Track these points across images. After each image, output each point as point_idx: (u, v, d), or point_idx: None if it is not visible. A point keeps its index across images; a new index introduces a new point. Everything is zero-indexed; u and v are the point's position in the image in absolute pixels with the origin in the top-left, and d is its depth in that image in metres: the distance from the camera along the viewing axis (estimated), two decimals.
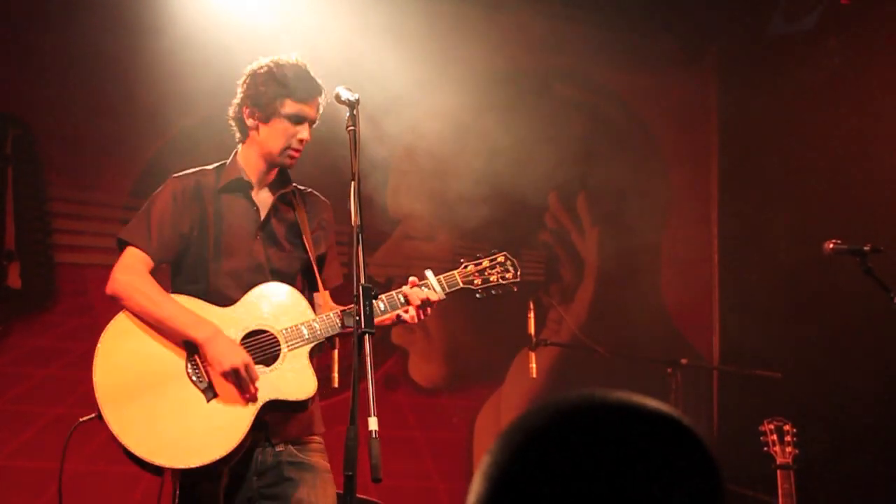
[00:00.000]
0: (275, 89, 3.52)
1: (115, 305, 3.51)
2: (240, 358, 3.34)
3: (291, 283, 3.56)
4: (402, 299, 3.51)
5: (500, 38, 6.58)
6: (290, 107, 3.52)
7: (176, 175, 3.64)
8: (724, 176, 7.10)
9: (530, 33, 6.68)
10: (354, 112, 3.26)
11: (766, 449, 4.71)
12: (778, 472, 4.66)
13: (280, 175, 3.66)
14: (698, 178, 7.17)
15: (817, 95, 6.43)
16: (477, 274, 3.68)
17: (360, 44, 5.66)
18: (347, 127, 3.26)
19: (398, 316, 3.52)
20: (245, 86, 3.59)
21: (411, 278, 3.57)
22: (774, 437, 4.72)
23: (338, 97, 3.34)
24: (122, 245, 3.54)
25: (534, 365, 5.32)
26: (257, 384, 3.35)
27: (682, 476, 1.10)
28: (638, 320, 6.61)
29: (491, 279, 3.70)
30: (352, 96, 3.29)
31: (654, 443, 1.11)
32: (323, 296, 3.67)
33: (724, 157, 7.12)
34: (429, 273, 3.60)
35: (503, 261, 3.75)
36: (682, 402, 5.31)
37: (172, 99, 5.60)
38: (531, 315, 5.37)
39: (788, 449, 4.68)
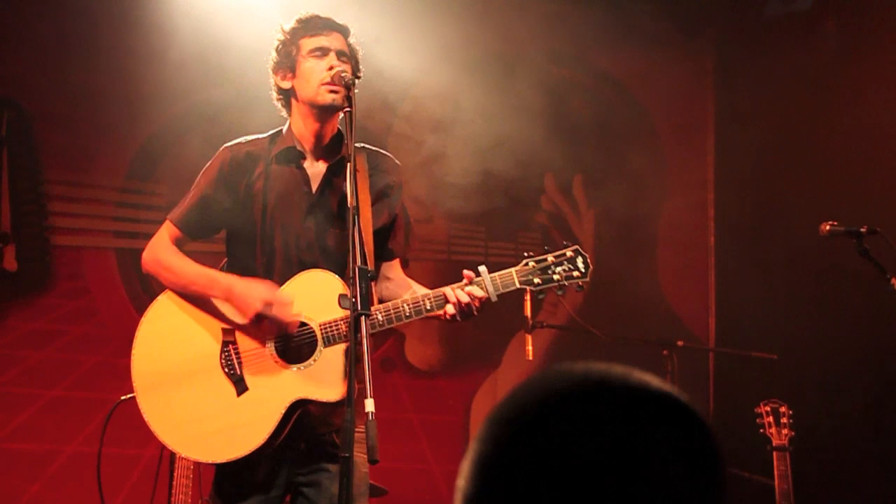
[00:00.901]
0: (289, 40, 3.45)
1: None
2: (258, 299, 3.23)
3: (343, 260, 3.27)
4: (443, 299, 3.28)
5: (496, 20, 6.56)
6: (306, 45, 3.42)
7: (228, 144, 3.51)
8: (721, 158, 7.09)
9: (527, 15, 6.65)
10: (350, 94, 3.22)
11: (762, 430, 4.72)
12: (774, 453, 4.67)
13: (334, 140, 3.48)
14: (695, 160, 7.16)
15: (814, 77, 6.41)
16: (538, 272, 3.34)
17: (356, 25, 5.63)
18: (343, 107, 3.23)
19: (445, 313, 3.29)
20: (271, 62, 3.50)
21: (466, 272, 3.30)
22: (770, 418, 4.73)
23: (335, 78, 3.32)
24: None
25: (530, 347, 5.31)
26: (284, 376, 3.26)
27: (682, 457, 1.08)
28: (634, 302, 6.61)
29: (555, 278, 3.35)
30: (348, 77, 3.26)
31: (653, 422, 1.08)
32: (394, 267, 3.53)
33: (720, 140, 7.11)
34: (482, 269, 3.31)
35: (572, 256, 3.37)
36: (679, 384, 5.30)
37: (167, 82, 5.58)
38: (527, 297, 5.37)
39: (784, 430, 4.69)
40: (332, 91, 3.35)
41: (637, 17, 6.68)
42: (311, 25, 3.45)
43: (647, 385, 1.10)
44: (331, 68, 3.37)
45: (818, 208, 5.40)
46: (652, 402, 1.09)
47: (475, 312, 3.29)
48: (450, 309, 3.27)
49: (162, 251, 3.43)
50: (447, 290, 3.28)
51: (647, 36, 6.80)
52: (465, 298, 3.25)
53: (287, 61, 3.44)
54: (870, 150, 6.11)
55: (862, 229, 4.31)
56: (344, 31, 3.50)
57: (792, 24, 6.61)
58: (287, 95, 3.49)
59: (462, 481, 1.10)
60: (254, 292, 3.25)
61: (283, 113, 3.54)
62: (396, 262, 3.58)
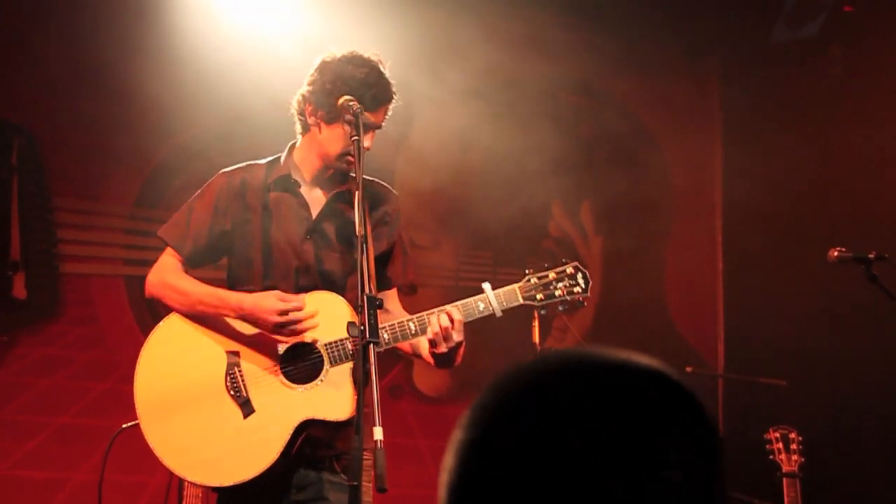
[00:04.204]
0: (341, 92, 3.28)
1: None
2: (272, 311, 3.21)
3: (343, 285, 3.35)
4: (415, 329, 3.28)
5: (504, 46, 6.58)
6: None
7: (224, 170, 3.49)
8: (728, 183, 7.10)
9: (535, 41, 6.68)
10: (359, 123, 3.20)
11: (771, 457, 4.69)
12: (784, 480, 4.65)
13: (336, 173, 3.44)
14: (702, 185, 7.17)
15: (820, 103, 6.43)
16: (541, 288, 3.41)
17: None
18: (352, 136, 3.21)
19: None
20: (312, 80, 3.37)
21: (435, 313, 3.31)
22: (780, 444, 4.70)
23: (342, 106, 3.31)
24: (162, 242, 3.47)
25: None
26: (291, 397, 3.25)
27: (675, 433, 1.03)
28: (642, 328, 6.60)
29: (556, 293, 3.42)
30: (356, 106, 3.24)
31: (640, 399, 1.03)
32: (391, 297, 3.50)
33: (727, 165, 7.12)
34: (486, 286, 3.35)
35: (572, 272, 3.45)
36: None
37: (176, 109, 5.60)
38: (535, 323, 5.36)
39: (794, 457, 4.67)
40: (349, 164, 3.30)
41: (643, 43, 6.71)
42: (368, 99, 3.28)
43: (632, 362, 1.06)
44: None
45: (826, 234, 5.40)
46: (639, 378, 1.05)
47: (453, 339, 3.28)
48: (429, 334, 3.26)
49: (170, 275, 3.40)
50: (427, 314, 3.30)
51: (653, 61, 6.83)
52: (444, 322, 3.26)
53: (327, 112, 3.32)
54: (878, 176, 6.12)
55: (870, 255, 4.32)
56: (391, 99, 3.39)
57: (798, 49, 6.64)
58: (307, 125, 3.42)
59: (445, 474, 1.04)
60: (266, 304, 3.24)
61: (297, 128, 3.47)
62: (394, 293, 3.56)
